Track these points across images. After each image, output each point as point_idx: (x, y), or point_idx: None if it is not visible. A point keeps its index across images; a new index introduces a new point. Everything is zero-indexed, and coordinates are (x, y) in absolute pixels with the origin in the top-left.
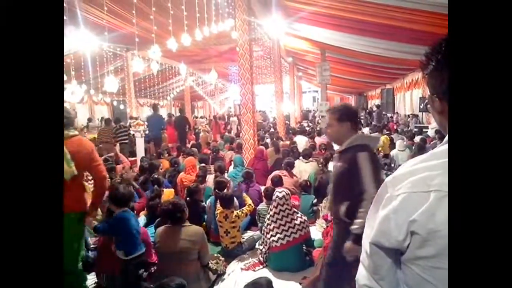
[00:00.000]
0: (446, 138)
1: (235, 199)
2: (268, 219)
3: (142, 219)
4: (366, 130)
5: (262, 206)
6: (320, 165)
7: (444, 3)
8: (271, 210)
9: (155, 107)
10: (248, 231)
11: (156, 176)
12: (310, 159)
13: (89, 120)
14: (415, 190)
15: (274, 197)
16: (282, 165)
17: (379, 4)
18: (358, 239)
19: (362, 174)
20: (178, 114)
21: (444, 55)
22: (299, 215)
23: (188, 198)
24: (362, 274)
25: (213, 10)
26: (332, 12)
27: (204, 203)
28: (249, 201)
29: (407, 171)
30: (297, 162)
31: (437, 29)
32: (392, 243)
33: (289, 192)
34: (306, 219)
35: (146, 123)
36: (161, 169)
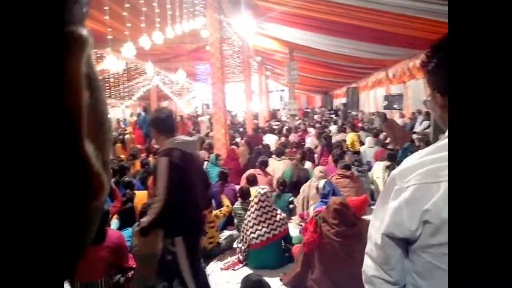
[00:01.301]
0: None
1: (213, 199)
2: (249, 216)
3: (114, 223)
4: (333, 128)
5: (237, 205)
6: (296, 163)
7: (407, 5)
8: (251, 206)
9: (146, 109)
10: (225, 231)
11: (127, 179)
12: (283, 157)
13: None
14: (424, 181)
15: (255, 193)
16: (256, 163)
17: (346, 5)
18: (142, 231)
19: (158, 177)
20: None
21: (445, 52)
22: (278, 212)
23: None
24: (369, 266)
25: (184, 8)
26: (300, 12)
27: None
28: (227, 202)
29: (414, 164)
30: (270, 161)
31: (402, 30)
32: (405, 233)
33: (269, 189)
34: (285, 216)
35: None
36: (132, 170)
